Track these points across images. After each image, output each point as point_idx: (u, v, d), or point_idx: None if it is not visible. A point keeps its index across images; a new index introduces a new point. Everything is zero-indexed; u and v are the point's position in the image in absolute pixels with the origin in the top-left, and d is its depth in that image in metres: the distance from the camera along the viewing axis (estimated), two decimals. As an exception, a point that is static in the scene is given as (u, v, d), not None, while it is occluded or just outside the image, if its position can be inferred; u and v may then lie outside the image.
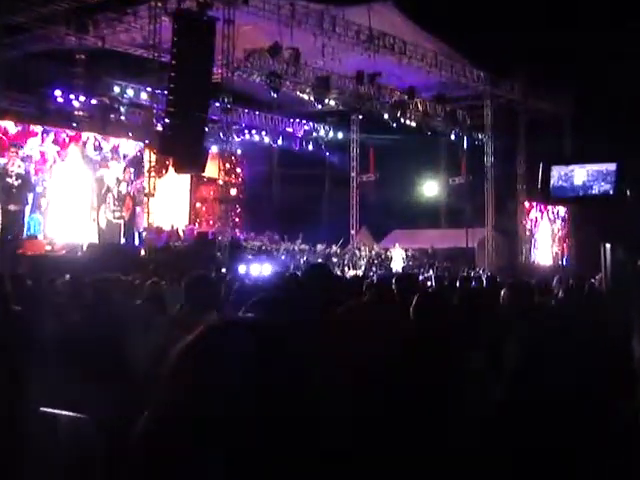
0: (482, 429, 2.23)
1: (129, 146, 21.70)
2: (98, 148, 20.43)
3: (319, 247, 25.52)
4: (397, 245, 26.40)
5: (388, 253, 26.29)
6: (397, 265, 25.54)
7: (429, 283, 15.36)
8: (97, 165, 20.44)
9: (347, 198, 31.06)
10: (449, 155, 30.89)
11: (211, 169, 24.66)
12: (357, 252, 27.69)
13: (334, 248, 25.91)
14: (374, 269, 25.61)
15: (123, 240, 20.52)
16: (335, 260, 25.28)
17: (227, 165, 27.22)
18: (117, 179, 21.19)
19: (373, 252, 27.39)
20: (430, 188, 32.16)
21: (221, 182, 23.46)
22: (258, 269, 20.47)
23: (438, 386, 2.53)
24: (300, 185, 28.89)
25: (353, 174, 31.37)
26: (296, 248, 24.98)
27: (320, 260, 24.72)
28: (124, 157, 21.41)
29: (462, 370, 2.84)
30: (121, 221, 21.04)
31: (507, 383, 2.39)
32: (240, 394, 0.89)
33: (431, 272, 25.49)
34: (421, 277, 19.31)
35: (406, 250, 27.56)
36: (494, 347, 2.97)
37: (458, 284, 8.44)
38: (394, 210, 30.26)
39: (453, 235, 29.08)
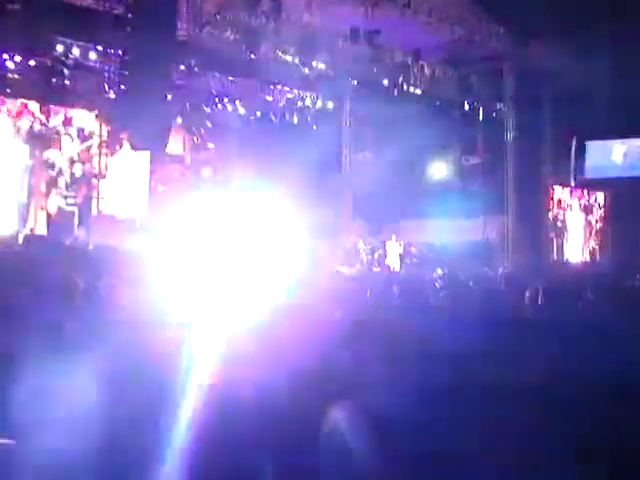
0: None
1: (84, 118, 21.50)
2: (43, 123, 20.24)
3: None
4: (393, 237, 26.87)
5: (382, 250, 27.24)
6: (391, 262, 25.88)
7: (437, 285, 15.71)
8: (44, 142, 20.21)
9: (338, 181, 31.63)
10: (462, 130, 30.73)
11: (174, 145, 24.81)
12: (351, 247, 27.93)
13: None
14: (372, 267, 26.00)
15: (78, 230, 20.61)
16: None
17: (192, 141, 27.57)
18: (71, 159, 21.08)
19: (367, 247, 27.82)
20: (439, 170, 32.19)
21: (185, 161, 23.67)
22: None
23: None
24: (281, 166, 28.96)
25: (346, 152, 31.30)
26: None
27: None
28: (79, 132, 21.21)
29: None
30: (74, 208, 20.84)
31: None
32: None
33: (439, 271, 25.64)
34: (427, 277, 19.56)
35: (410, 245, 28.24)
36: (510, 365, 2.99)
37: (472, 285, 8.65)
38: (395, 196, 30.36)
39: (466, 226, 29.16)
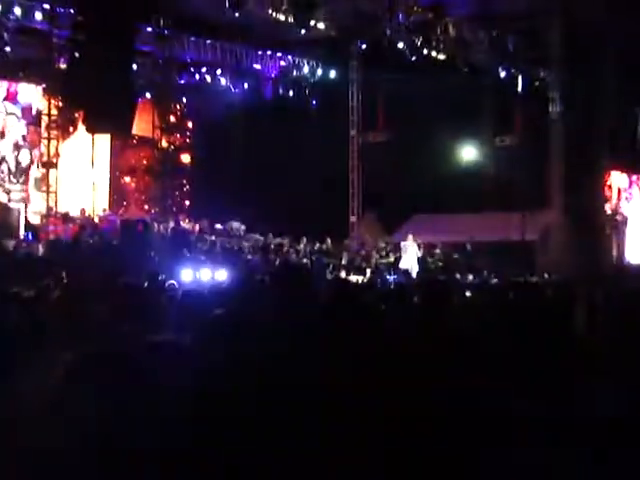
0: None
1: (30, 93, 21.46)
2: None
3: (303, 242, 25.74)
4: (410, 237, 26.67)
5: (395, 253, 26.86)
6: (407, 265, 25.92)
7: (467, 293, 15.56)
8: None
9: (344, 169, 31.32)
10: (496, 103, 30.71)
11: (143, 126, 24.65)
12: (360, 248, 27.76)
13: (327, 243, 26.25)
14: (386, 273, 25.72)
15: (23, 231, 20.45)
16: (327, 261, 25.33)
17: (167, 120, 27.49)
18: (16, 144, 21.27)
19: (380, 247, 27.64)
20: (467, 153, 32.23)
21: (159, 145, 23.54)
22: (212, 275, 20.74)
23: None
24: (275, 150, 28.79)
25: (353, 133, 31.30)
26: (270, 243, 25.41)
27: (306, 261, 24.79)
28: (24, 111, 21.29)
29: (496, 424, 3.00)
30: (21, 205, 20.98)
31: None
32: None
33: (470, 277, 25.53)
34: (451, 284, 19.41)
35: (432, 246, 28.02)
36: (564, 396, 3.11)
37: (511, 295, 8.40)
38: (414, 186, 30.17)
39: (502, 222, 28.87)
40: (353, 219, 30.95)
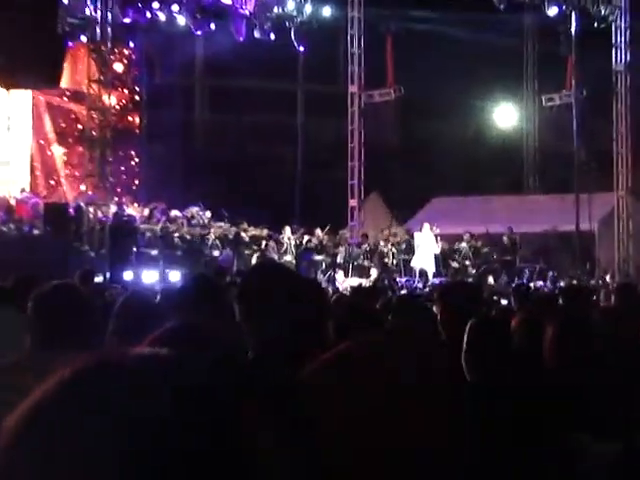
0: None
1: None
2: None
3: (287, 233, 26.15)
4: (426, 226, 26.78)
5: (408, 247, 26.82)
6: (421, 263, 26.15)
7: (504, 301, 15.78)
8: None
9: (341, 137, 31.26)
10: (542, 52, 30.72)
11: (76, 78, 24.38)
12: (361, 242, 27.46)
13: (318, 235, 26.62)
14: (396, 275, 25.87)
15: None
16: (319, 258, 25.08)
17: (108, 70, 26.46)
18: None
19: (388, 240, 27.57)
20: (505, 116, 32.30)
21: (97, 103, 23.27)
22: (165, 275, 20.67)
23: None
24: (250, 112, 28.44)
25: (353, 89, 31.23)
26: (244, 235, 25.66)
27: (289, 258, 24.61)
28: None
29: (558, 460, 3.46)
30: None
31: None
32: None
33: (505, 278, 25.36)
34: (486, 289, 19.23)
35: (457, 239, 27.80)
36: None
37: (561, 301, 8.63)
38: (434, 159, 29.93)
39: (550, 207, 29.14)
40: (352, 203, 31.10)
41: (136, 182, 29.85)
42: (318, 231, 26.26)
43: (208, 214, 25.82)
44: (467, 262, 27.55)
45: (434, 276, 25.67)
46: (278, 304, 3.87)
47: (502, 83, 30.93)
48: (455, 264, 27.37)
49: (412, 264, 26.12)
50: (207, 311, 5.07)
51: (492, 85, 30.95)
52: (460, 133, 30.31)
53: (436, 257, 26.36)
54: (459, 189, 31.08)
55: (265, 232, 25.45)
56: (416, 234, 26.82)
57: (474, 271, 26.67)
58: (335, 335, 4.14)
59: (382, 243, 27.42)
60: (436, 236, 26.59)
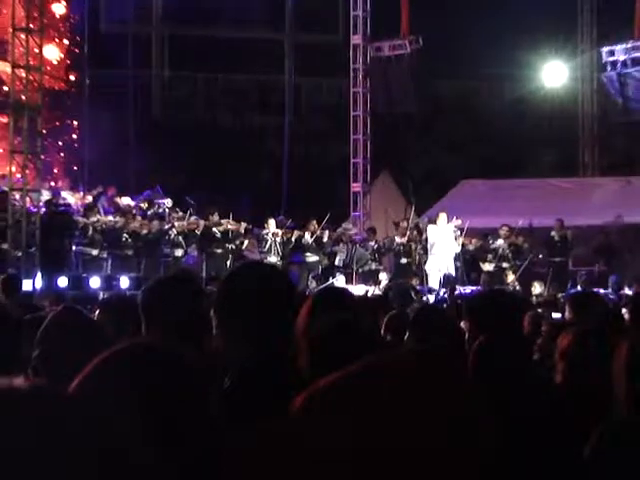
0: None
1: None
2: None
3: (271, 228, 26.58)
4: (442, 217, 27.51)
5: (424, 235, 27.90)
6: (437, 266, 26.67)
7: (556, 315, 16.01)
8: None
9: (342, 103, 31.70)
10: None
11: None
12: (367, 238, 27.25)
13: (311, 230, 27.22)
14: (415, 282, 26.21)
15: None
16: (313, 260, 24.81)
17: (35, 12, 27.03)
18: None
19: (404, 235, 28.23)
20: (554, 76, 32.63)
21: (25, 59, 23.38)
22: (110, 281, 20.05)
23: None
24: (222, 70, 28.16)
25: (356, 40, 31.96)
26: (215, 230, 24.78)
27: (274, 259, 24.27)
28: None
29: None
30: None
31: None
32: None
33: (555, 284, 25.02)
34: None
35: (494, 232, 27.84)
36: None
37: (628, 315, 9.46)
38: (460, 131, 29.74)
39: (614, 192, 29.37)
40: (356, 188, 31.39)
41: (76, 160, 29.68)
42: (312, 224, 26.18)
43: (169, 202, 25.71)
44: (505, 264, 27.85)
45: (453, 282, 25.60)
46: (263, 320, 4.23)
47: (549, 32, 30.66)
48: (489, 267, 27.31)
49: (427, 267, 26.19)
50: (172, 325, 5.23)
51: (538, 35, 30.67)
52: (495, 97, 30.17)
53: (457, 257, 26.38)
54: (494, 169, 31.03)
55: (243, 226, 25.52)
56: (430, 228, 26.83)
57: (514, 276, 26.68)
58: (313, 365, 4.35)
59: (397, 240, 27.38)
60: (458, 230, 26.54)
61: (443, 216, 26.77)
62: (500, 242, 28.05)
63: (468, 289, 25.12)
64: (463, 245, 27.52)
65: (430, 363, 3.84)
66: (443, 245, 26.48)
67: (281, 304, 4.36)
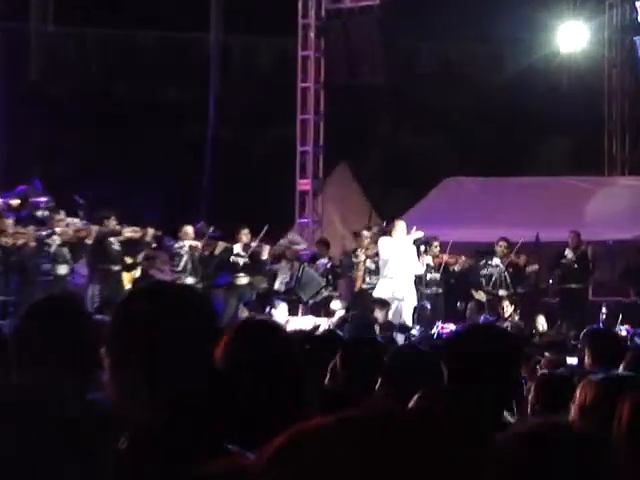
0: None
1: None
2: None
3: (188, 237, 27.40)
4: (399, 226, 28.93)
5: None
6: (390, 291, 27.96)
7: (570, 360, 16.97)
8: None
9: (287, 70, 33.25)
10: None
11: None
12: (317, 254, 26.97)
13: (243, 243, 27.80)
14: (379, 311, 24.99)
15: None
16: (244, 282, 24.38)
17: None
18: None
19: (367, 250, 26.93)
20: (572, 40, 32.84)
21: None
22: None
23: None
24: (122, 23, 27.94)
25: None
26: (112, 240, 25.08)
27: (191, 280, 23.93)
28: None
29: None
30: None
31: None
32: None
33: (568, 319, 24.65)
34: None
35: (489, 248, 26.97)
36: None
37: None
38: (447, 111, 29.45)
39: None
40: (304, 185, 31.28)
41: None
42: (243, 234, 26.09)
43: (50, 201, 25.63)
44: (502, 292, 27.14)
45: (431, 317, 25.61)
46: (173, 364, 4.46)
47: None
48: (481, 295, 27.14)
49: (374, 294, 26.05)
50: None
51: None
52: (494, 66, 30.04)
53: (422, 281, 26.31)
54: (490, 162, 30.85)
55: (150, 233, 25.22)
56: (382, 241, 26.47)
57: (512, 307, 26.64)
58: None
59: (359, 254, 27.29)
60: (423, 244, 26.41)
61: (401, 225, 26.15)
62: (496, 261, 27.77)
63: (450, 326, 24.86)
64: (446, 265, 27.07)
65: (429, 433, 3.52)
66: (399, 264, 26.14)
67: (198, 342, 4.43)
